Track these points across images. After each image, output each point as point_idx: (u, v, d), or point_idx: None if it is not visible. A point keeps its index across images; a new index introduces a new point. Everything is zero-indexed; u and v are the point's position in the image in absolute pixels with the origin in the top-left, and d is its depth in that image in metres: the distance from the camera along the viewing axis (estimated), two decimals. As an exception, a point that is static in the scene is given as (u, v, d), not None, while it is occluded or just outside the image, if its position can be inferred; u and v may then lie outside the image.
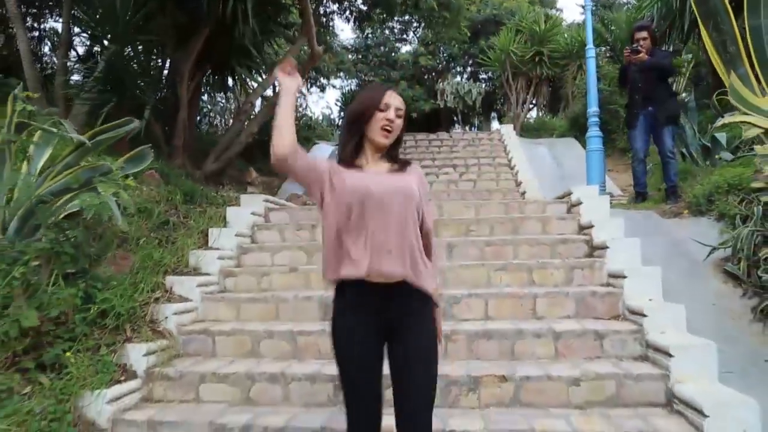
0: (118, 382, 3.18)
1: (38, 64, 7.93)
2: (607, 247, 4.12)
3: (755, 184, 3.92)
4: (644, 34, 6.08)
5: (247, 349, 3.62)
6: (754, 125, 3.52)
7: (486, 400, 3.03)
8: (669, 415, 2.84)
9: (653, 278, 3.70)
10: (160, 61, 8.62)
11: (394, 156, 2.16)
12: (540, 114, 16.94)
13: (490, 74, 17.60)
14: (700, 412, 2.62)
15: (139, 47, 7.65)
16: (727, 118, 3.74)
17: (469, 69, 19.00)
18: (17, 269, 3.12)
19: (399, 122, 2.09)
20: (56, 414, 2.81)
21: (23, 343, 3.04)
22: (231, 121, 12.77)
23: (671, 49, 9.38)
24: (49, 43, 10.34)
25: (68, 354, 3.04)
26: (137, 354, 3.34)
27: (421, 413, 2.00)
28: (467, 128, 18.37)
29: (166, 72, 8.69)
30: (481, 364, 3.24)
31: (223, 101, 13.39)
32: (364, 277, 1.94)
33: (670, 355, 2.99)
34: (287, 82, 2.05)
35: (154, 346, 3.44)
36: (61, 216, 3.42)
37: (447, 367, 3.16)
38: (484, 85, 17.25)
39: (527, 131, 13.47)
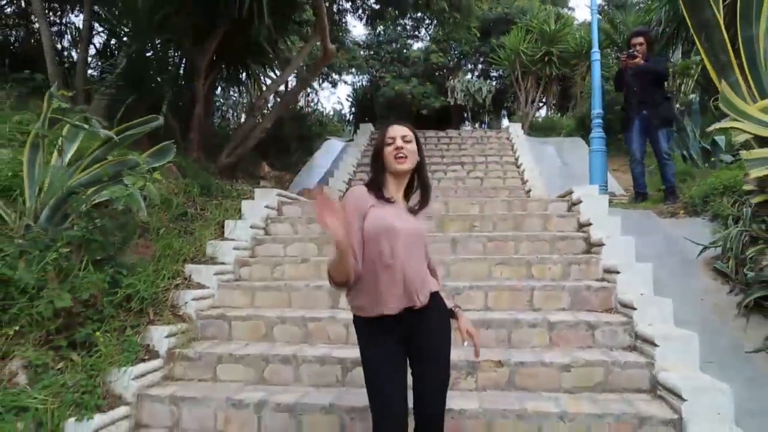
0: (143, 360, 3.43)
1: (57, 58, 8.20)
2: (604, 244, 4.32)
3: (746, 187, 4.11)
4: (641, 39, 6.32)
5: (261, 334, 3.87)
6: (743, 131, 3.71)
7: (483, 383, 3.26)
8: (652, 400, 3.05)
9: (645, 274, 3.91)
10: (177, 57, 8.89)
11: (424, 183, 2.47)
12: (549, 113, 17.10)
13: (500, 72, 17.73)
14: (679, 397, 2.83)
15: (158, 45, 7.92)
16: (718, 124, 3.93)
17: (480, 66, 19.14)
18: (51, 254, 3.38)
19: (410, 147, 2.37)
20: (87, 387, 3.06)
21: (56, 322, 3.30)
22: (243, 115, 13.05)
23: (678, 51, 9.55)
24: (68, 37, 10.60)
25: (97, 334, 3.30)
26: (159, 335, 3.60)
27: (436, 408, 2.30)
28: (477, 126, 18.53)
29: (181, 68, 8.99)
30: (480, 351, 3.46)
31: (236, 95, 13.64)
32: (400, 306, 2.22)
33: (656, 345, 3.20)
34: (336, 234, 1.95)
35: (174, 329, 3.69)
36: (88, 206, 3.68)
37: (447, 353, 3.39)
38: (494, 83, 17.40)
39: (535, 130, 13.64)
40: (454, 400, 3.03)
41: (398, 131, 2.37)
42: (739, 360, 3.41)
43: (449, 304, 2.46)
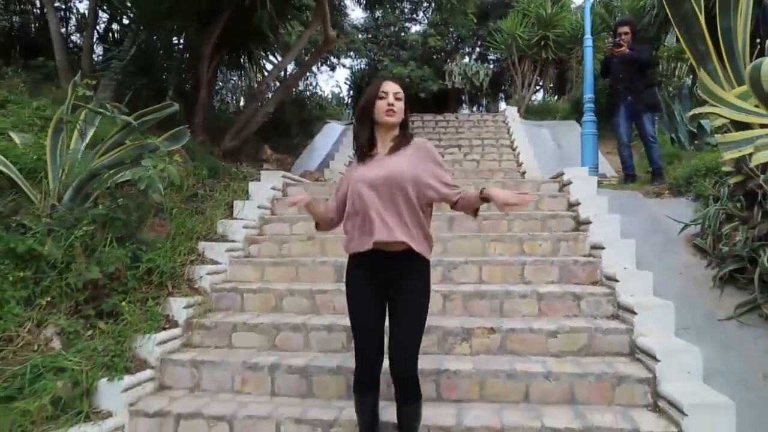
0: (164, 329, 3.73)
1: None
2: (591, 222, 4.61)
3: (724, 168, 4.38)
4: (626, 29, 6.62)
5: (271, 305, 4.17)
6: (720, 116, 3.98)
7: (476, 348, 3.57)
8: (630, 362, 3.36)
9: (628, 250, 4.20)
10: (180, 44, 9.09)
11: (406, 134, 2.68)
12: (546, 96, 17.27)
13: (498, 55, 17.87)
14: (653, 358, 3.14)
15: (162, 31, 8.12)
16: (697, 110, 4.19)
17: (477, 50, 19.25)
18: (78, 231, 3.66)
19: (399, 104, 2.61)
20: (116, 352, 3.36)
21: (84, 294, 3.59)
22: (242, 99, 13.25)
23: (672, 35, 9.74)
24: (73, 21, 10.76)
25: (123, 304, 3.59)
26: (178, 306, 3.90)
27: (407, 352, 2.54)
28: (475, 109, 18.71)
29: (185, 55, 9.18)
30: (474, 320, 3.77)
31: (235, 80, 13.81)
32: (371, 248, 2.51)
33: (635, 313, 3.50)
34: (309, 209, 2.81)
35: (192, 301, 3.99)
36: (112, 187, 3.95)
37: (444, 321, 3.70)
38: (492, 67, 17.53)
39: (531, 113, 13.85)
40: (450, 363, 3.35)
41: (391, 87, 2.60)
42: (713, 327, 3.71)
43: (475, 192, 2.52)
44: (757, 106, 3.74)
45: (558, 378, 3.17)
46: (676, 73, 11.01)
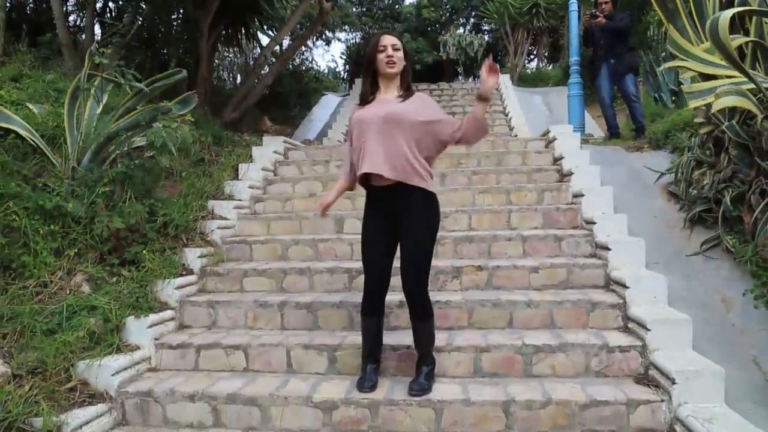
0: (181, 275, 4.09)
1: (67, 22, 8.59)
2: (573, 173, 4.95)
3: (696, 119, 4.69)
4: None
5: (278, 254, 4.53)
6: (689, 69, 4.29)
7: (466, 284, 3.93)
8: (605, 292, 3.72)
9: (606, 196, 4.54)
10: (179, 19, 9.32)
11: (407, 84, 2.97)
12: (541, 64, 17.48)
13: (492, 26, 18.02)
14: (624, 285, 3.50)
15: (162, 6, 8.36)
16: (667, 64, 4.50)
17: (471, 21, 19.39)
18: (99, 189, 4.00)
19: (399, 54, 2.88)
20: (140, 294, 3.72)
21: (108, 245, 3.95)
22: (239, 75, 13.49)
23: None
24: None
25: (144, 252, 3.95)
26: (193, 256, 4.25)
27: (414, 277, 2.90)
28: (470, 79, 18.92)
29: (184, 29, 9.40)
30: (464, 261, 4.13)
31: (231, 55, 14.04)
32: (369, 172, 2.83)
33: (609, 249, 3.86)
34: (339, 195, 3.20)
35: (205, 251, 4.35)
36: (130, 147, 4.29)
37: (437, 262, 4.04)
38: (486, 37, 17.70)
39: (525, 81, 14.11)
40: (442, 295, 3.71)
41: (389, 40, 2.87)
42: (680, 261, 4.08)
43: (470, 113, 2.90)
44: (721, 59, 4.04)
45: (538, 306, 3.53)
46: (666, 37, 11.22)
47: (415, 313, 2.95)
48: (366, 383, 2.99)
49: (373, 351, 3.11)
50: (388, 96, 2.95)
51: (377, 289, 3.01)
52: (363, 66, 3.01)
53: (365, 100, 2.98)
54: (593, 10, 6.94)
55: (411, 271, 2.89)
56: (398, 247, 2.96)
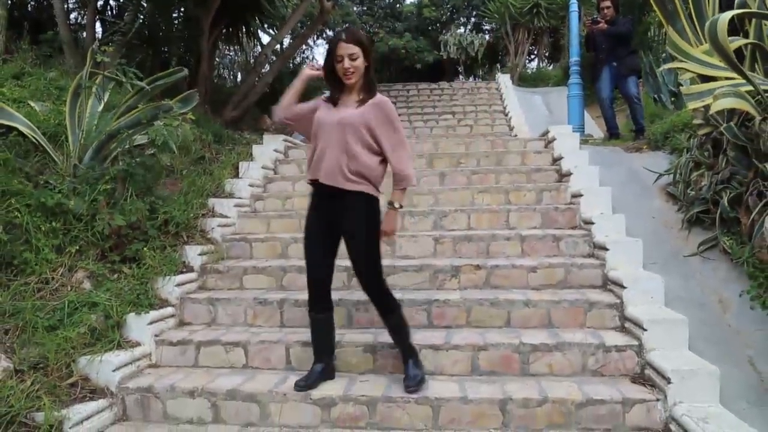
0: (181, 272, 4.11)
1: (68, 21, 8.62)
2: (572, 174, 4.97)
3: (695, 121, 4.71)
4: (608, 3, 7.02)
5: (277, 252, 4.55)
6: (688, 70, 4.31)
7: (464, 283, 3.95)
8: (602, 292, 3.75)
9: (604, 196, 4.57)
10: (181, 18, 9.34)
11: (368, 87, 2.96)
12: (542, 64, 17.49)
13: (493, 25, 18.02)
14: (621, 285, 3.53)
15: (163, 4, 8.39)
16: (666, 65, 4.52)
17: (472, 20, 19.40)
18: (101, 186, 4.02)
19: (357, 63, 2.86)
20: (141, 291, 3.75)
21: (109, 242, 3.97)
22: (239, 74, 13.50)
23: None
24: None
25: (145, 249, 3.97)
26: (193, 253, 4.28)
27: (360, 275, 3.02)
28: (471, 79, 18.92)
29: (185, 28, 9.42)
30: (462, 260, 4.15)
31: (232, 55, 14.05)
32: (315, 179, 2.95)
33: (607, 249, 3.88)
34: (305, 73, 3.10)
35: (205, 249, 4.37)
36: (131, 145, 4.32)
37: (436, 261, 4.09)
38: (487, 36, 17.70)
39: (526, 81, 14.12)
40: (440, 294, 3.74)
41: (345, 50, 2.83)
42: (678, 262, 4.10)
43: (385, 202, 3.00)
44: (720, 61, 4.06)
45: (536, 305, 3.56)
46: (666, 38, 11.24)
47: (377, 308, 3.08)
48: (300, 380, 3.05)
49: (320, 349, 3.17)
50: (350, 99, 2.98)
51: (318, 285, 3.09)
52: (326, 73, 2.99)
53: (331, 98, 3.04)
54: (595, 16, 7.01)
55: (361, 273, 3.02)
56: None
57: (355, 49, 2.84)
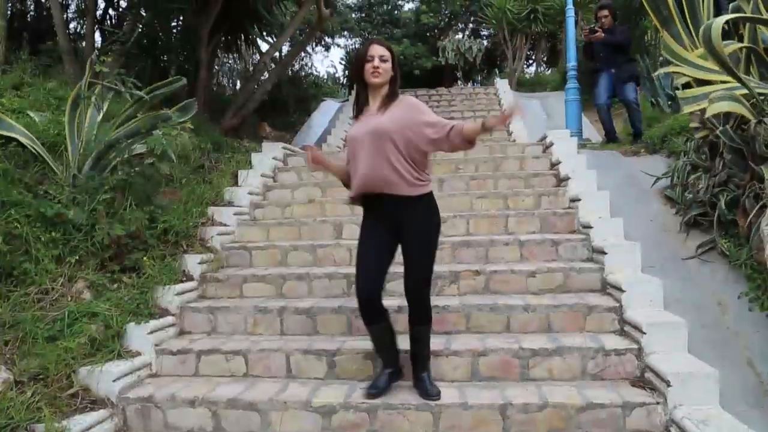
0: (181, 281, 4.12)
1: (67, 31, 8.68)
2: (570, 178, 4.99)
3: (692, 124, 4.73)
4: (605, 12, 7.04)
5: (277, 260, 4.56)
6: (684, 74, 4.34)
7: (463, 289, 3.96)
8: (601, 296, 3.76)
9: (603, 200, 4.58)
10: (179, 26, 9.38)
11: (392, 91, 2.96)
12: (540, 69, 17.55)
13: (491, 31, 18.08)
14: (620, 289, 3.53)
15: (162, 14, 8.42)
16: (662, 69, 4.55)
17: (470, 26, 19.46)
18: (100, 197, 4.04)
19: (386, 65, 2.88)
20: (141, 301, 3.76)
21: (108, 252, 3.98)
22: (238, 81, 13.55)
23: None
24: (72, 8, 11.01)
25: (144, 259, 3.99)
26: (193, 262, 4.29)
27: (415, 282, 2.94)
28: (469, 84, 18.97)
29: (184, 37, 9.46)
30: (461, 265, 4.16)
31: (230, 62, 14.10)
32: (363, 192, 2.92)
33: (605, 253, 3.89)
34: (325, 166, 3.24)
35: (205, 257, 4.38)
36: (130, 155, 4.34)
37: (435, 267, 4.01)
38: (485, 42, 17.76)
39: (523, 86, 14.17)
40: (439, 300, 3.74)
41: (377, 50, 2.87)
42: (676, 265, 4.11)
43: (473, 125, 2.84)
44: (715, 65, 4.09)
45: (535, 310, 3.57)
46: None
47: (412, 316, 3.00)
48: (369, 388, 3.02)
49: (383, 355, 3.13)
50: (375, 106, 2.96)
51: (370, 296, 2.95)
52: (351, 75, 3.05)
53: (358, 111, 3.05)
54: (592, 25, 7.05)
55: (411, 275, 2.94)
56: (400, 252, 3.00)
57: (386, 53, 2.89)
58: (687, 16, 4.42)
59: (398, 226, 2.91)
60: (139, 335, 3.54)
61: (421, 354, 3.05)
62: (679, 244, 4.32)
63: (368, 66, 2.88)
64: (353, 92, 3.18)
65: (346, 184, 3.17)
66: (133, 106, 4.53)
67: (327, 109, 12.21)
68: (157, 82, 5.07)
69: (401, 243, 2.96)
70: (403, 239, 2.94)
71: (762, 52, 3.95)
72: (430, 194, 2.98)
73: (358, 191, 2.95)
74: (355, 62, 2.98)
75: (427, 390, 2.96)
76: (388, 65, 2.90)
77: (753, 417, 2.76)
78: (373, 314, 2.98)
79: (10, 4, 9.29)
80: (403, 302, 3.58)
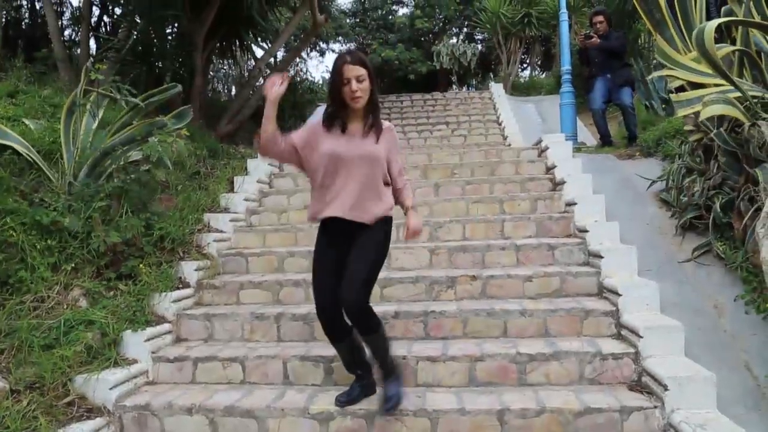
0: (178, 288, 4.11)
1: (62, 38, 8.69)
2: (565, 182, 5.00)
3: (687, 127, 4.74)
4: (600, 18, 7.10)
5: (273, 267, 4.56)
6: (677, 78, 4.36)
7: (460, 294, 3.96)
8: (598, 300, 3.76)
9: (598, 204, 4.59)
10: (174, 33, 9.39)
11: (375, 114, 2.83)
12: (534, 73, 17.60)
13: (485, 35, 18.13)
14: (616, 293, 3.54)
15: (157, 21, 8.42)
16: (655, 73, 4.57)
17: (465, 30, 19.52)
18: (95, 204, 4.03)
19: (364, 85, 2.69)
20: (137, 308, 3.74)
21: (104, 259, 3.97)
22: (233, 87, 13.55)
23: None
24: (67, 15, 11.01)
25: (141, 266, 3.98)
26: (189, 269, 4.28)
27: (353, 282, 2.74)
28: (464, 88, 19.01)
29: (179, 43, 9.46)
30: (458, 270, 4.16)
31: (226, 69, 14.10)
32: (338, 217, 2.77)
33: (601, 257, 3.90)
34: (271, 94, 2.70)
35: (201, 264, 4.37)
36: (126, 162, 4.33)
37: (431, 273, 4.10)
38: (479, 46, 17.81)
39: (518, 90, 14.21)
40: (436, 305, 3.75)
41: (352, 72, 2.66)
42: (672, 268, 4.12)
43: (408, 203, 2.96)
44: (709, 68, 4.11)
45: (532, 314, 3.57)
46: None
47: (357, 328, 2.83)
48: (341, 395, 3.00)
49: (351, 366, 3.07)
50: (356, 125, 2.83)
51: (334, 314, 2.86)
52: (329, 96, 2.83)
53: (333, 123, 2.82)
54: (587, 31, 7.08)
55: (350, 285, 2.73)
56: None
57: (362, 71, 2.69)
58: (680, 20, 4.44)
59: (349, 247, 2.82)
60: (135, 343, 3.53)
61: (382, 362, 2.95)
62: (675, 247, 4.34)
63: (346, 89, 2.70)
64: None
65: (265, 148, 2.84)
66: (128, 113, 4.52)
67: (322, 114, 12.19)
68: (153, 88, 5.07)
69: (350, 254, 2.82)
70: (352, 251, 2.81)
71: (754, 55, 3.97)
72: (390, 217, 2.92)
73: (332, 215, 2.78)
74: (331, 83, 2.78)
75: (386, 399, 2.89)
76: (366, 84, 2.72)
77: (751, 420, 2.77)
78: (337, 331, 2.91)
79: (4, 12, 9.31)
80: (400, 308, 3.64)
